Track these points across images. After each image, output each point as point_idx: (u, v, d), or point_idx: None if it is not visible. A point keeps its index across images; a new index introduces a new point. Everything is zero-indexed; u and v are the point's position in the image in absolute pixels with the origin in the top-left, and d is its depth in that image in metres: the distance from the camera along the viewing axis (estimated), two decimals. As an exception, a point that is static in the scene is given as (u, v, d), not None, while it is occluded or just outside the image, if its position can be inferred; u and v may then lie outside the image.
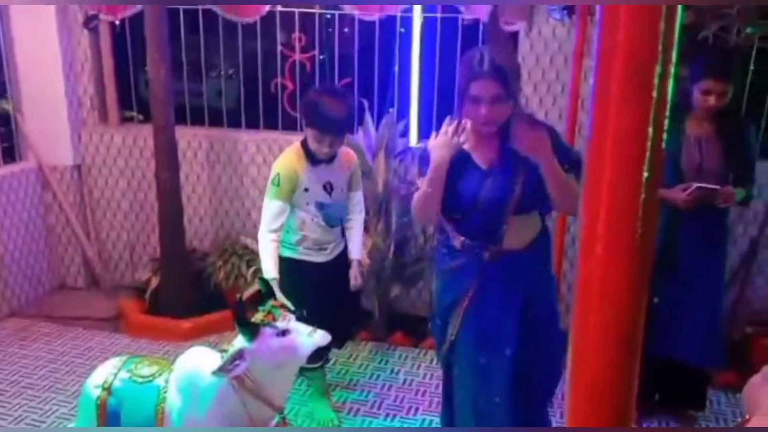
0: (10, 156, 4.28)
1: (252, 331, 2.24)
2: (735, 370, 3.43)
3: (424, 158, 2.31)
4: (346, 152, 2.95)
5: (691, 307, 2.87)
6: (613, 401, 0.62)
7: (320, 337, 2.29)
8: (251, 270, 3.91)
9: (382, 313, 3.90)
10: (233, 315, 2.24)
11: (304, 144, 2.84)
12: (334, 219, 2.93)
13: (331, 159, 2.84)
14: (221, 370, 2.20)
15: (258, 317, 2.29)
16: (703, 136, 2.77)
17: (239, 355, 2.22)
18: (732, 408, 3.22)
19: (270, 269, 2.70)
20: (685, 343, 2.89)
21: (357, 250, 3.02)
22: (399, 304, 4.16)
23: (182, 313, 3.89)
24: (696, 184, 2.68)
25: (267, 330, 2.26)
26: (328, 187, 2.87)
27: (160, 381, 2.41)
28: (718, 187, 2.71)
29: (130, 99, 4.42)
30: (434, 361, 3.68)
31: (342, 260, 3.00)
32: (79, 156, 4.38)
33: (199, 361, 2.40)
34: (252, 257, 3.99)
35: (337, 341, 2.83)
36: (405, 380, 3.48)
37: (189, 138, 4.23)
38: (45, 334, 3.90)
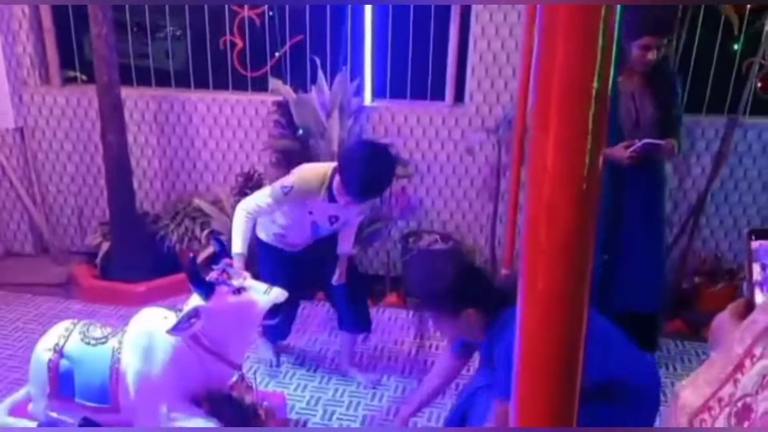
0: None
1: (207, 289, 2.23)
2: (683, 319, 3.59)
3: None
4: None
5: (638, 258, 2.98)
6: (563, 334, 0.63)
7: (276, 294, 2.30)
8: (205, 232, 3.87)
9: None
10: (187, 274, 2.22)
11: (332, 177, 2.63)
12: (323, 236, 2.89)
13: None
14: (176, 329, 2.19)
15: (213, 275, 2.28)
16: (636, 91, 2.83)
17: (194, 313, 2.21)
18: (680, 354, 3.37)
19: (238, 245, 2.59)
20: (634, 294, 3.00)
21: (347, 247, 2.96)
22: (356, 263, 4.17)
23: (135, 277, 3.83)
24: (643, 141, 2.74)
25: (222, 288, 2.25)
26: (333, 219, 2.81)
27: (113, 342, 2.39)
28: (663, 142, 2.78)
29: (73, 58, 4.25)
30: (393, 318, 3.74)
31: (318, 248, 2.93)
32: (20, 118, 4.20)
33: (154, 321, 2.38)
34: (205, 219, 3.95)
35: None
36: (364, 337, 3.51)
37: (136, 98, 4.11)
38: (-7, 302, 3.80)
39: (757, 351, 0.72)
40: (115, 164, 3.74)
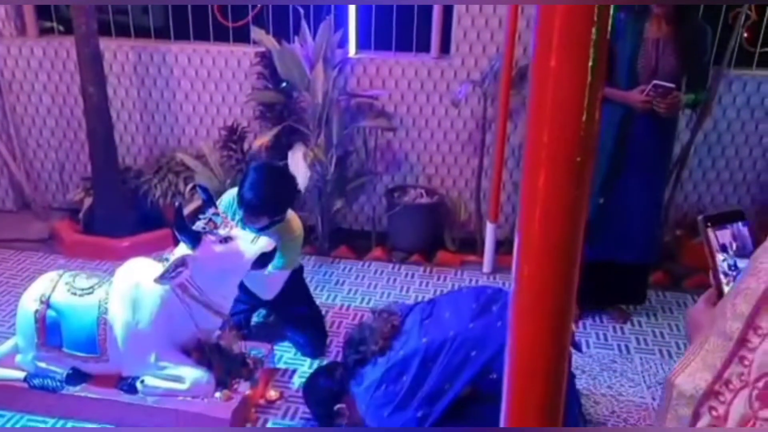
0: None
1: (194, 238, 2.22)
2: (665, 270, 3.66)
3: None
4: None
5: (634, 208, 2.97)
6: (556, 288, 0.65)
7: (263, 242, 2.30)
8: (188, 187, 3.83)
9: (325, 228, 3.92)
10: (174, 223, 2.21)
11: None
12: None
13: None
14: (164, 278, 2.20)
15: (199, 225, 2.27)
16: (661, 39, 2.79)
17: (181, 262, 2.21)
18: (662, 304, 3.44)
19: None
20: (627, 244, 3.00)
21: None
22: (342, 218, 4.18)
23: (119, 233, 3.81)
24: (653, 82, 2.71)
25: (209, 237, 2.25)
26: None
27: (100, 293, 2.39)
28: (673, 85, 2.73)
29: (49, 9, 4.12)
30: (379, 272, 3.76)
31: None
32: (-4, 71, 4.10)
33: (140, 271, 2.38)
34: (189, 174, 3.91)
35: None
36: (350, 290, 3.54)
37: (115, 50, 4.02)
38: (-26, 258, 3.76)
39: (764, 323, 0.65)
40: (95, 117, 3.67)
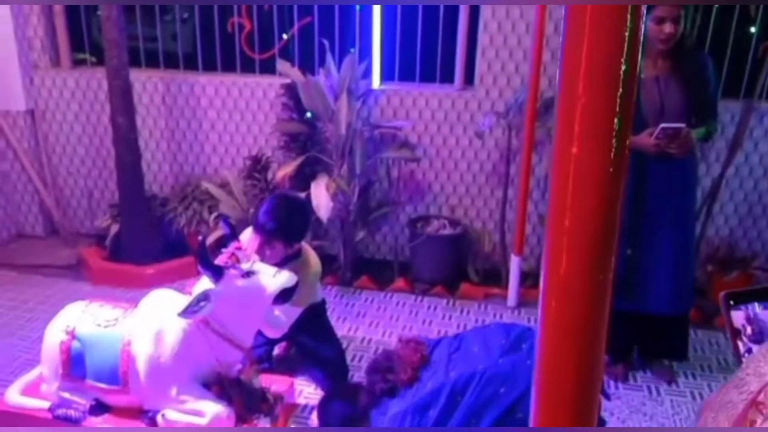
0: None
1: (216, 272, 2.23)
2: (696, 307, 3.53)
3: None
4: None
5: (663, 256, 2.78)
6: (585, 297, 0.63)
7: (285, 277, 2.30)
8: (213, 215, 3.87)
9: (347, 258, 3.92)
10: (196, 257, 2.22)
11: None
12: None
13: None
14: (187, 312, 2.20)
15: (221, 259, 2.28)
16: (660, 77, 2.68)
17: (204, 296, 2.22)
18: (693, 343, 3.28)
19: None
20: (657, 295, 2.81)
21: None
22: (365, 247, 4.18)
23: (144, 260, 3.85)
24: (660, 125, 2.60)
25: (231, 271, 2.26)
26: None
27: (124, 325, 2.40)
28: (683, 125, 2.61)
29: (82, 41, 4.24)
30: (401, 304, 3.74)
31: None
32: (31, 101, 4.21)
33: (164, 304, 2.39)
34: (213, 203, 3.95)
35: None
36: (371, 322, 3.52)
37: (144, 81, 4.10)
38: (5, 282, 3.82)
39: None
40: (124, 146, 3.74)
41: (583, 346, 0.63)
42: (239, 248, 2.31)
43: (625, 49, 0.54)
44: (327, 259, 3.91)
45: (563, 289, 0.62)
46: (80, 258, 4.06)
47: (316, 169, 3.75)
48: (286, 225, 2.55)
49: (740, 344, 0.75)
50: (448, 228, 3.95)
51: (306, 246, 2.76)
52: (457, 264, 3.97)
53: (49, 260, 4.13)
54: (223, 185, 4.01)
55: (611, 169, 0.57)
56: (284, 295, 2.30)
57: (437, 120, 3.91)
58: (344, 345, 3.22)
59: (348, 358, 3.12)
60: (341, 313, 3.60)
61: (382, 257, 4.19)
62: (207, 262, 2.22)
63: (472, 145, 3.91)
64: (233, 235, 2.36)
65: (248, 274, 2.26)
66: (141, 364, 2.34)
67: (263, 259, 2.50)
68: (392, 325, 3.50)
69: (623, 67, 0.56)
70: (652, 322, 2.91)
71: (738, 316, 0.76)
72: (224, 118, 4.13)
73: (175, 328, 2.31)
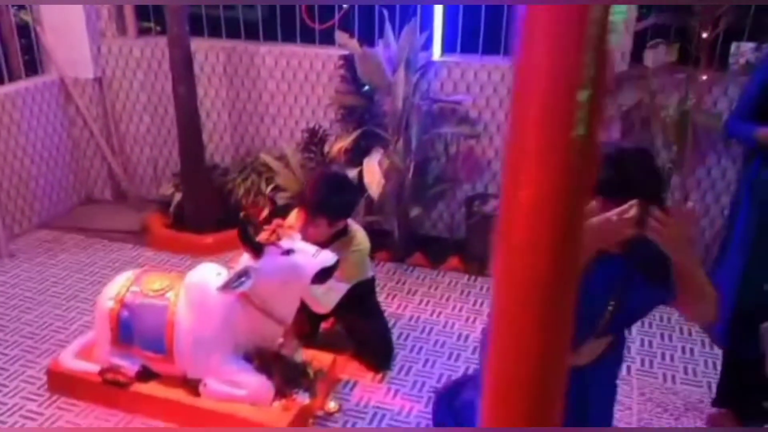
0: (32, 68, 4.25)
1: (257, 249, 2.23)
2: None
3: None
4: None
5: None
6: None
7: (325, 256, 2.28)
8: (270, 187, 3.89)
9: (402, 234, 3.87)
10: (238, 233, 2.23)
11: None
12: None
13: None
14: (226, 287, 2.22)
15: (263, 236, 2.28)
16: None
17: (244, 272, 2.23)
18: None
19: None
20: None
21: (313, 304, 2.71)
22: (419, 224, 4.11)
23: (203, 228, 3.93)
24: None
25: (271, 249, 2.25)
26: None
27: (169, 295, 2.45)
28: None
29: (147, 10, 4.30)
30: (454, 283, 3.66)
31: None
32: (99, 68, 4.33)
33: (208, 277, 2.42)
34: (270, 174, 3.96)
35: None
36: (421, 300, 3.47)
37: (206, 50, 4.13)
38: (72, 246, 4.00)
39: None
40: (185, 116, 3.79)
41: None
42: (281, 225, 2.30)
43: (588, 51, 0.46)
44: (381, 235, 3.88)
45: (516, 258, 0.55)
46: (144, 224, 4.18)
47: (372, 144, 3.69)
48: (329, 202, 2.53)
49: None
50: (506, 207, 3.81)
51: (353, 224, 2.73)
52: (514, 244, 3.84)
53: (115, 225, 4.28)
54: (281, 157, 4.01)
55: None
56: (323, 275, 2.28)
57: (499, 94, 3.76)
58: (392, 323, 3.20)
59: (395, 336, 3.10)
60: (391, 290, 3.56)
61: (437, 234, 4.11)
62: (248, 238, 2.22)
63: (535, 121, 3.74)
64: (277, 211, 2.34)
65: (288, 252, 2.25)
66: (184, 334, 2.39)
67: (306, 237, 2.49)
68: (442, 304, 3.44)
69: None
70: None
71: None
72: (283, 90, 4.12)
73: (217, 301, 2.34)
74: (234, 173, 4.10)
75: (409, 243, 3.91)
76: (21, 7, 4.10)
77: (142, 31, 4.36)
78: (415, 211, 3.83)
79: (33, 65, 4.26)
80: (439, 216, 4.08)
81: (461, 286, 3.62)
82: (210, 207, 4.01)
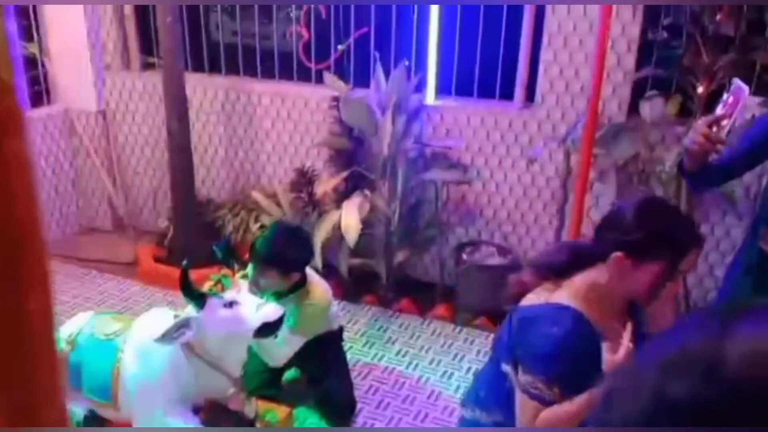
0: (40, 100, 4.34)
1: (198, 300, 2.17)
2: None
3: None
4: None
5: None
6: None
7: (268, 310, 2.19)
8: (257, 225, 3.85)
9: (389, 278, 3.76)
10: (179, 283, 2.17)
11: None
12: None
13: None
14: (164, 337, 2.15)
15: (208, 285, 2.22)
16: None
17: (185, 323, 2.16)
18: None
19: None
20: None
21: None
22: (411, 269, 4.00)
23: (192, 264, 3.89)
24: None
25: (214, 300, 2.18)
26: None
27: (119, 340, 2.39)
28: None
29: (152, 44, 4.36)
30: (436, 334, 3.53)
31: None
32: (103, 101, 4.39)
33: (157, 323, 2.35)
34: (261, 212, 3.93)
35: None
36: (399, 351, 3.35)
37: (205, 86, 4.15)
38: (63, 274, 4.00)
39: None
40: (176, 152, 3.80)
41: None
42: (226, 276, 2.23)
43: None
44: (369, 279, 3.80)
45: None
46: (135, 256, 4.18)
47: (361, 186, 3.62)
48: (280, 255, 2.46)
49: None
50: (497, 257, 3.68)
51: (314, 276, 2.65)
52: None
53: (110, 256, 4.29)
54: (273, 196, 3.97)
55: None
56: (267, 329, 2.20)
57: (492, 140, 3.66)
58: (364, 374, 3.09)
59: (363, 389, 2.98)
60: (371, 338, 3.45)
61: (429, 280, 3.99)
62: (189, 288, 2.16)
63: (530, 169, 3.62)
64: (224, 260, 2.28)
65: (231, 304, 2.18)
66: (129, 384, 2.33)
67: (260, 288, 2.42)
68: (420, 356, 3.31)
69: None
70: None
71: None
72: (279, 128, 4.10)
73: (162, 351, 2.27)
74: (225, 209, 4.08)
75: (399, 287, 3.80)
76: (29, 40, 4.20)
77: (147, 66, 4.42)
78: (400, 256, 3.72)
79: (39, 97, 4.35)
80: (431, 261, 3.96)
81: (444, 338, 3.49)
82: (200, 242, 3.98)
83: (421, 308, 3.73)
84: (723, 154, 2.08)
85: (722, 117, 1.84)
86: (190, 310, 2.22)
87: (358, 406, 2.85)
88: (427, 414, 2.88)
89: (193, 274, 3.84)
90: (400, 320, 3.64)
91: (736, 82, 1.90)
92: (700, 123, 1.86)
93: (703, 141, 1.81)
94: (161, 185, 4.55)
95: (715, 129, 1.82)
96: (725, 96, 1.89)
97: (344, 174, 3.57)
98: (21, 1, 4.15)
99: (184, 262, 2.25)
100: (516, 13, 3.51)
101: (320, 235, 3.44)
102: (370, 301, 3.76)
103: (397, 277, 3.82)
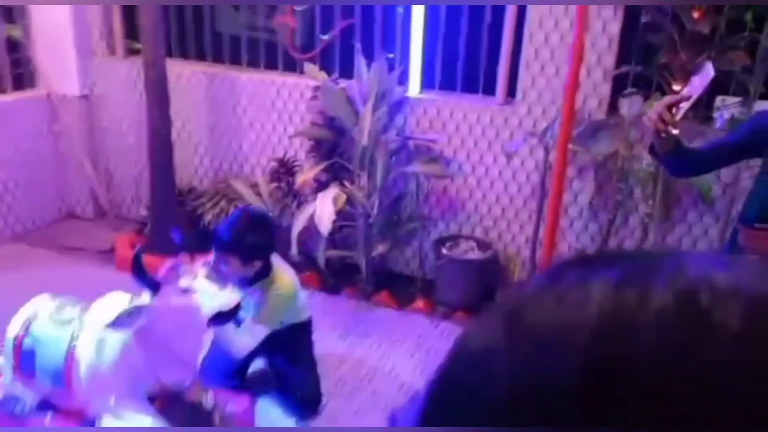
0: (21, 83, 4.30)
1: (151, 286, 2.12)
2: None
3: None
4: None
5: None
6: None
7: (223, 298, 2.15)
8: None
9: (369, 270, 3.72)
10: (131, 269, 2.13)
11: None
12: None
13: None
14: (115, 324, 2.11)
15: (163, 272, 2.17)
16: None
17: (136, 310, 2.12)
18: None
19: None
20: None
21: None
22: (392, 262, 3.96)
23: (167, 252, 3.85)
24: None
25: (168, 288, 2.13)
26: None
27: (74, 325, 2.35)
28: None
29: (136, 31, 4.31)
30: (412, 327, 3.48)
31: None
32: (86, 86, 4.35)
33: (113, 309, 2.31)
34: (241, 201, 3.88)
35: None
36: (373, 343, 3.30)
37: (189, 74, 4.11)
38: (39, 262, 3.98)
39: None
40: (156, 139, 3.76)
41: None
42: (182, 263, 2.19)
43: None
44: (350, 270, 3.75)
45: None
46: (113, 244, 4.14)
47: (341, 177, 3.58)
48: (240, 241, 2.40)
49: None
50: (476, 251, 3.63)
51: (280, 265, 2.59)
52: (484, 290, 3.64)
53: (92, 243, 4.25)
54: (254, 185, 3.93)
55: None
56: (221, 318, 2.15)
57: (474, 135, 3.60)
58: (335, 366, 3.05)
59: (332, 381, 2.93)
60: (346, 329, 3.41)
61: (409, 273, 3.94)
62: (142, 274, 2.11)
63: (511, 165, 3.57)
64: (182, 247, 2.23)
65: (185, 291, 2.13)
66: (82, 370, 2.28)
67: (221, 275, 2.38)
68: (394, 349, 3.26)
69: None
70: None
71: None
72: (262, 117, 4.05)
73: (116, 338, 2.23)
74: (205, 197, 4.04)
75: (378, 280, 3.76)
76: (10, 22, 4.16)
77: (132, 52, 4.37)
78: (380, 249, 3.67)
79: (21, 80, 4.31)
80: (412, 254, 3.92)
81: (420, 330, 3.44)
82: (176, 230, 3.95)
83: (400, 301, 3.69)
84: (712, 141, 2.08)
85: (683, 98, 1.82)
86: (145, 297, 2.17)
87: (325, 398, 2.81)
88: (395, 408, 2.83)
89: (157, 261, 3.82)
90: (379, 312, 3.60)
91: (707, 64, 1.86)
92: (661, 102, 1.83)
93: (656, 119, 1.78)
94: (144, 173, 4.50)
95: (674, 110, 1.80)
96: (693, 78, 1.86)
97: (324, 165, 3.52)
98: (19, 2, 4.13)
99: (138, 247, 2.20)
100: (500, 8, 3.45)
101: (297, 225, 3.40)
102: (349, 293, 3.72)
103: (376, 270, 3.78)
